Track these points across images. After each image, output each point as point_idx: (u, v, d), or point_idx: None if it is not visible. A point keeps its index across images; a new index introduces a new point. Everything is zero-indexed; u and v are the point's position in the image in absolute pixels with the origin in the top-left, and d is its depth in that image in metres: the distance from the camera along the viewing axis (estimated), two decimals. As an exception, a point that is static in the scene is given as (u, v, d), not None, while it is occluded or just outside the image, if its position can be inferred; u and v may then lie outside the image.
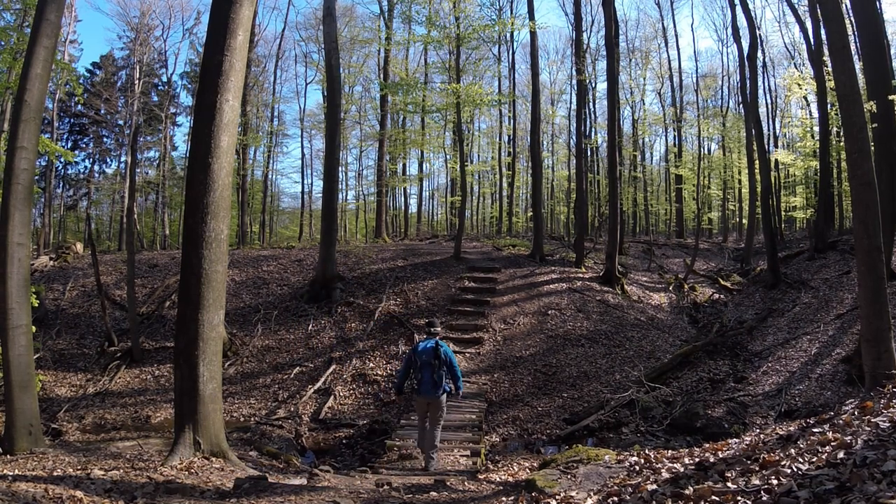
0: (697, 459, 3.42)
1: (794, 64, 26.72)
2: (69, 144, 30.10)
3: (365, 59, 28.85)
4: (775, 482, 2.31)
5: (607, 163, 19.42)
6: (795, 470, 2.43)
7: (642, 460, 4.02)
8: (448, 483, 4.85)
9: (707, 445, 4.50)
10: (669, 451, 4.50)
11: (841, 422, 3.56)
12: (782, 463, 2.61)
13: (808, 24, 17.05)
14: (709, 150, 34.51)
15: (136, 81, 26.87)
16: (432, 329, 6.42)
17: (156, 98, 30.92)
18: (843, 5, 9.42)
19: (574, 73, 22.88)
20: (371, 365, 11.00)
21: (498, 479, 5.46)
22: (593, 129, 30.35)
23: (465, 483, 5.10)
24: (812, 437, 3.22)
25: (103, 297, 12.37)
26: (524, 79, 32.79)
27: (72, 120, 30.77)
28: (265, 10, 32.98)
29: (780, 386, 9.25)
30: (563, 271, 15.47)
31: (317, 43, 27.87)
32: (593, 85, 29.73)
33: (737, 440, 4.49)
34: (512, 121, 30.63)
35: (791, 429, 4.17)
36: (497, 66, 28.91)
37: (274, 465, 6.79)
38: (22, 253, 5.64)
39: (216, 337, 4.88)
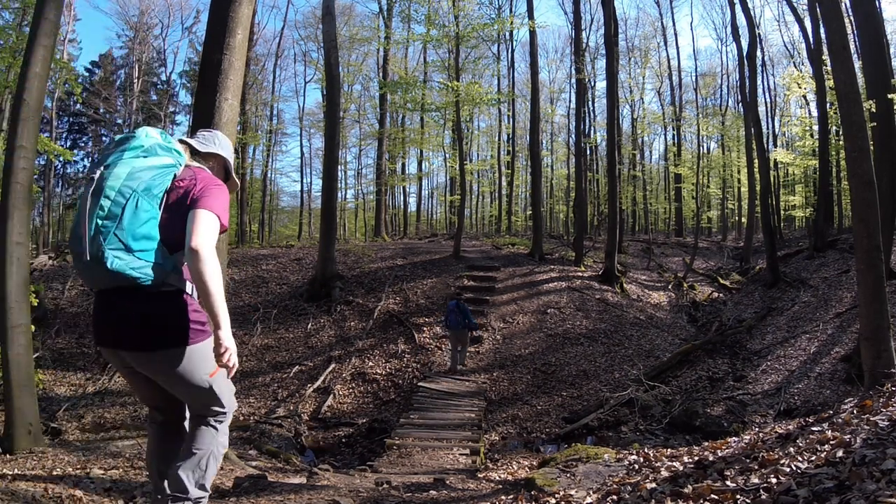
0: (697, 458, 3.42)
1: (794, 63, 26.74)
2: (68, 143, 30.10)
3: (364, 57, 28.86)
4: (774, 481, 2.31)
5: (606, 161, 19.43)
6: (794, 468, 2.43)
7: (642, 459, 4.02)
8: (447, 482, 4.85)
9: (706, 444, 4.50)
10: (669, 450, 4.50)
11: (840, 420, 3.56)
12: (781, 461, 2.62)
13: (808, 23, 17.04)
14: (708, 149, 34.53)
15: (135, 80, 26.86)
16: (454, 300, 10.48)
17: (155, 97, 30.92)
18: (843, 4, 9.42)
19: (573, 71, 22.88)
20: (370, 364, 11.01)
21: (497, 478, 5.47)
22: (593, 128, 30.37)
23: (465, 482, 5.11)
24: (811, 436, 3.22)
25: (102, 296, 12.36)
26: (523, 77, 32.79)
27: (71, 119, 30.76)
28: (264, 9, 32.88)
29: (779, 385, 9.27)
30: (563, 270, 15.47)
31: (316, 42, 27.87)
32: (592, 84, 29.74)
33: (736, 439, 4.50)
34: (511, 119, 30.64)
35: (790, 427, 4.17)
36: (496, 65, 28.88)
37: (273, 463, 6.79)
38: (21, 252, 5.62)
39: (216, 336, 4.87)
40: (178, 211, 1.98)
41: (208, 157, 2.31)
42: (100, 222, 1.87)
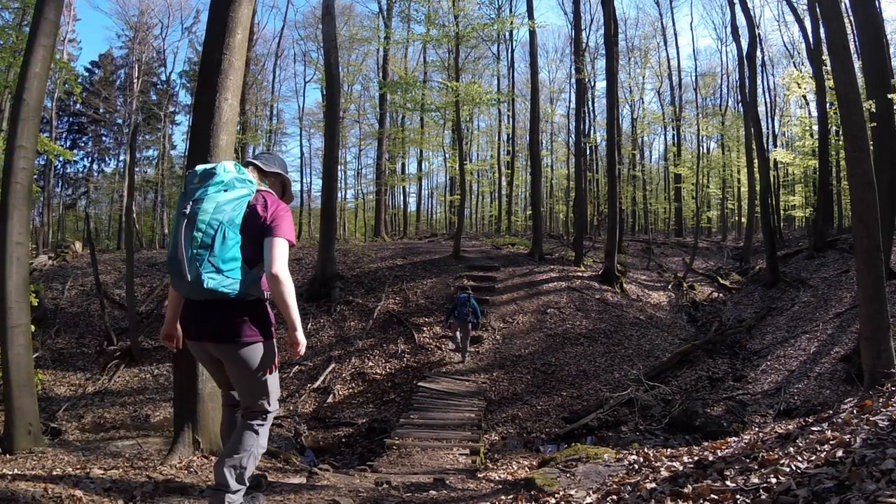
0: (696, 458, 3.42)
1: (794, 63, 26.76)
2: (68, 143, 30.06)
3: (364, 57, 28.86)
4: (774, 481, 2.31)
5: (606, 161, 19.43)
6: (794, 468, 2.43)
7: (641, 459, 4.02)
8: (447, 482, 4.85)
9: (706, 444, 4.50)
10: (668, 450, 4.50)
11: (840, 420, 3.57)
12: (781, 461, 2.62)
13: (808, 23, 17.04)
14: (708, 149, 34.54)
15: (135, 80, 26.85)
16: (466, 291, 11.10)
17: (154, 97, 30.89)
18: (843, 4, 9.42)
19: (573, 71, 22.88)
20: (370, 364, 11.01)
21: (497, 478, 5.46)
22: (592, 128, 30.36)
23: (465, 482, 5.11)
24: (811, 436, 3.22)
25: (102, 297, 12.37)
26: (523, 77, 32.80)
27: (71, 119, 30.73)
28: (264, 9, 32.89)
29: (779, 384, 9.27)
30: (563, 270, 15.47)
31: (316, 41, 27.89)
32: (592, 83, 29.74)
33: (736, 439, 4.50)
34: (511, 119, 30.63)
35: (790, 427, 4.17)
36: (496, 65, 28.89)
37: (273, 463, 6.79)
38: (21, 252, 5.62)
39: (215, 336, 4.86)
40: (254, 233, 2.44)
41: (269, 175, 2.72)
42: (195, 251, 2.32)
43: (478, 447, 7.19)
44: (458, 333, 10.70)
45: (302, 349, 2.51)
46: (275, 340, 2.56)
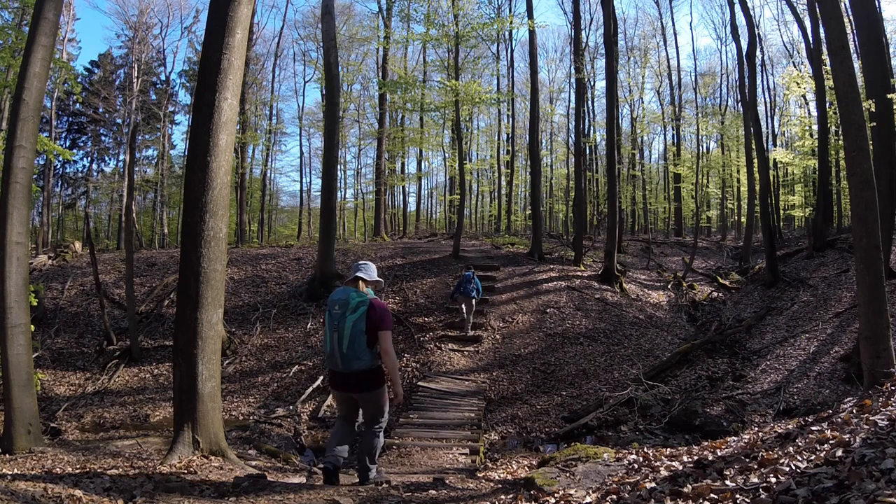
0: (696, 457, 3.43)
1: (793, 62, 26.75)
2: (67, 143, 30.06)
3: (363, 57, 28.84)
4: (774, 480, 2.32)
5: (606, 161, 19.43)
6: (794, 468, 2.43)
7: (641, 458, 4.02)
8: (447, 481, 4.84)
9: (706, 443, 4.50)
10: (668, 449, 4.50)
11: (839, 420, 3.57)
12: (781, 461, 2.62)
13: (807, 23, 17.07)
14: (707, 149, 34.53)
15: (135, 80, 26.82)
16: (470, 269, 11.89)
17: (154, 96, 30.86)
18: (843, 4, 9.42)
19: (573, 71, 22.87)
20: (370, 363, 10.98)
21: (497, 478, 5.46)
22: (592, 128, 30.36)
23: (465, 481, 5.10)
24: (811, 436, 3.22)
25: (102, 296, 12.35)
26: (523, 77, 32.83)
27: (70, 118, 30.71)
28: (264, 9, 32.97)
29: (778, 384, 9.27)
30: (562, 269, 15.48)
31: (315, 41, 27.87)
32: (592, 83, 29.74)
33: (735, 438, 4.50)
34: (511, 119, 30.62)
35: (790, 427, 4.17)
36: (496, 65, 28.88)
37: (273, 463, 6.79)
38: (21, 252, 5.63)
39: (215, 335, 4.87)
40: (371, 327, 3.95)
41: (370, 282, 4.20)
42: (345, 351, 3.92)
43: (477, 447, 7.19)
44: (463, 307, 11.69)
45: (401, 398, 4.15)
46: (385, 385, 4.11)
